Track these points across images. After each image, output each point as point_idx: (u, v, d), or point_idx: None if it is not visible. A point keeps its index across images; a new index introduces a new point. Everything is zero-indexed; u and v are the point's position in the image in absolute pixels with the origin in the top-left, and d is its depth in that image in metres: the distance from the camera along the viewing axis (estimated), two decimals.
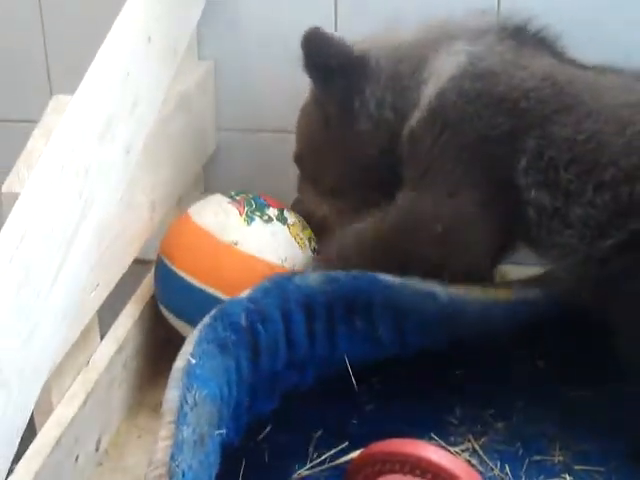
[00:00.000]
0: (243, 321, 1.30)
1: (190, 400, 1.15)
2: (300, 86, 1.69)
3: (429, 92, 1.46)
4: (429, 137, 1.44)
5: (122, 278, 1.53)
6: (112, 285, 1.47)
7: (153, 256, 1.70)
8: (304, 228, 1.60)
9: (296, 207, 1.65)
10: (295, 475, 1.33)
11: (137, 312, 1.56)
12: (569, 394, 1.46)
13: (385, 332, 1.41)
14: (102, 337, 1.49)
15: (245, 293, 1.35)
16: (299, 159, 1.66)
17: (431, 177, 1.45)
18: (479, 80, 1.42)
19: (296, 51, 1.60)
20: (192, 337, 1.26)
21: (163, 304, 1.58)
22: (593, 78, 1.42)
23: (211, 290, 1.50)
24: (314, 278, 1.39)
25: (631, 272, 1.30)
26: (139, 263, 1.64)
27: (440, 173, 1.44)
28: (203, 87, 1.82)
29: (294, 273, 1.42)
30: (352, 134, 1.53)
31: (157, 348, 1.62)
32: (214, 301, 1.45)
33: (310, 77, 1.56)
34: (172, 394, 1.15)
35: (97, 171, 1.30)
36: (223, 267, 1.51)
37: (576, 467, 1.34)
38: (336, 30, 1.81)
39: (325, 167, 1.60)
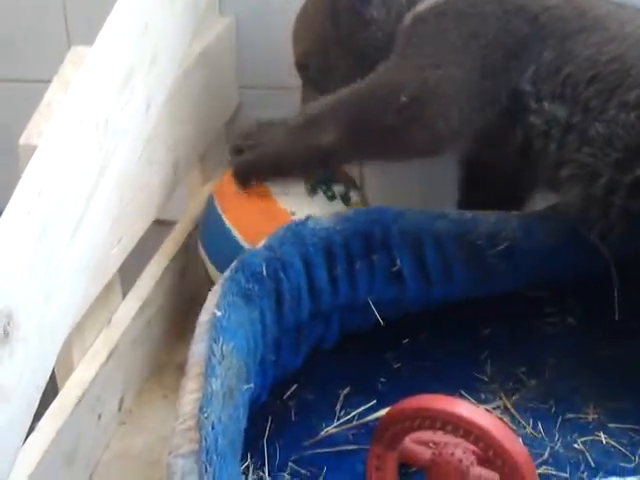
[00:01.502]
0: (264, 270, 1.28)
1: (217, 353, 1.12)
2: None
3: None
4: (432, 22, 1.43)
5: (144, 238, 1.50)
6: (133, 243, 1.44)
7: (175, 217, 1.68)
8: None
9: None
10: (322, 432, 1.30)
11: (159, 271, 1.53)
12: (602, 351, 1.43)
13: (405, 264, 1.38)
14: (124, 296, 1.46)
15: (262, 243, 1.32)
16: (302, 63, 1.60)
17: (415, 50, 1.42)
18: None
19: None
20: (215, 290, 1.23)
21: (203, 246, 1.55)
22: (615, 10, 1.41)
23: (247, 245, 1.45)
24: (327, 219, 1.37)
25: None
26: (160, 224, 1.62)
27: (427, 47, 1.42)
28: (224, 43, 1.79)
29: (306, 218, 1.38)
30: (363, 23, 1.50)
31: (181, 308, 1.59)
32: (233, 244, 1.44)
33: None
34: (199, 347, 1.13)
35: (117, 124, 1.27)
36: (270, 229, 1.43)
37: (610, 425, 1.31)
38: None
39: (331, 67, 1.55)
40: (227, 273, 1.27)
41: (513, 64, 1.39)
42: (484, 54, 1.39)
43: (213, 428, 1.04)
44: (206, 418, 1.05)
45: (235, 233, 1.48)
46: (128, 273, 1.49)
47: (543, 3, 1.40)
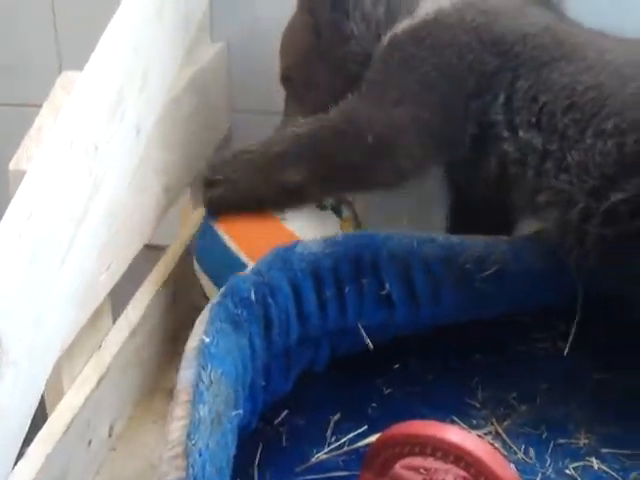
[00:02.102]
0: (253, 296, 1.27)
1: (206, 379, 1.11)
2: None
3: (428, 6, 1.46)
4: (408, 48, 1.43)
5: (135, 263, 1.50)
6: (124, 268, 1.44)
7: (167, 241, 1.68)
8: (356, 227, 1.55)
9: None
10: (313, 459, 1.29)
11: (150, 296, 1.53)
12: (593, 376, 1.43)
13: (394, 287, 1.38)
14: (114, 321, 1.46)
15: (250, 268, 1.32)
16: (286, 77, 1.62)
17: (383, 83, 1.44)
18: (482, 15, 1.42)
19: None
20: (203, 316, 1.23)
21: (201, 265, 1.54)
22: (594, 38, 1.42)
23: (242, 254, 1.46)
24: (316, 244, 1.37)
25: None
26: (152, 249, 1.62)
27: (394, 82, 1.43)
28: (216, 68, 1.79)
29: (295, 242, 1.38)
30: (343, 38, 1.51)
31: (171, 333, 1.59)
32: (237, 263, 1.43)
33: None
34: (187, 374, 1.12)
35: (107, 149, 1.27)
36: (261, 236, 1.46)
37: (603, 450, 1.30)
38: None
39: (313, 81, 1.57)
40: (215, 299, 1.26)
41: (483, 94, 1.40)
42: (455, 87, 1.40)
43: (200, 455, 1.04)
44: (193, 445, 1.04)
45: (226, 238, 1.48)
46: (119, 297, 1.49)
47: (521, 31, 1.41)
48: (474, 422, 1.36)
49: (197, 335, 1.19)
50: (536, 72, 1.37)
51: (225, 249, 1.48)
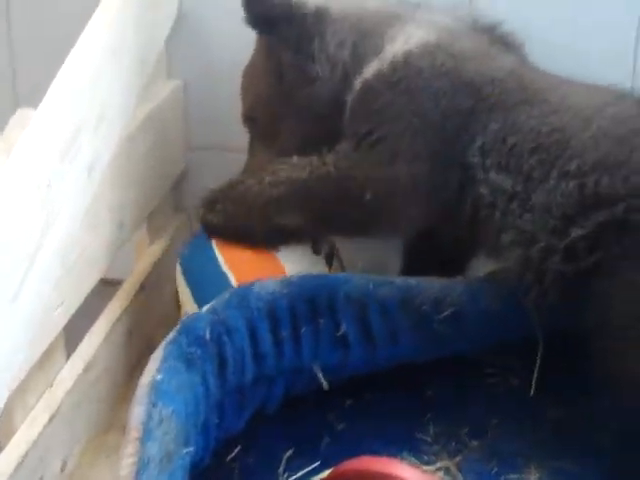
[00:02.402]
0: (207, 334, 1.28)
1: (156, 416, 1.12)
2: None
3: (396, 48, 1.47)
4: (385, 95, 1.45)
5: (90, 298, 1.50)
6: (77, 304, 1.44)
7: (122, 276, 1.68)
8: None
9: (245, 175, 1.59)
10: None
11: (105, 331, 1.52)
12: (543, 412, 1.44)
13: (350, 328, 1.40)
14: (69, 357, 1.45)
15: (206, 306, 1.33)
16: (249, 118, 1.62)
17: (375, 138, 1.45)
18: (451, 59, 1.45)
19: None
20: (157, 354, 1.24)
21: (180, 263, 1.57)
22: (556, 82, 1.46)
23: (232, 277, 1.49)
24: (274, 283, 1.38)
25: (603, 270, 1.29)
26: (107, 284, 1.62)
27: (386, 136, 1.44)
28: (172, 106, 1.80)
29: (253, 282, 1.40)
30: (308, 81, 1.52)
31: (126, 369, 1.58)
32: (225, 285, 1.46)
33: (255, 29, 1.56)
34: (137, 411, 1.13)
35: (60, 187, 1.27)
36: (254, 264, 1.50)
37: None
38: None
39: (278, 121, 1.58)
40: (170, 336, 1.27)
41: (461, 138, 1.42)
42: (437, 133, 1.43)
43: None
44: None
45: (218, 254, 1.51)
46: (75, 332, 1.48)
47: (489, 75, 1.44)
48: (425, 458, 1.37)
49: (149, 372, 1.20)
50: (504, 114, 1.40)
51: (216, 267, 1.51)
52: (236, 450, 1.37)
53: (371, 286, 1.41)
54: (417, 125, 1.43)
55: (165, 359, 1.22)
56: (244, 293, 1.37)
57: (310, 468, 1.33)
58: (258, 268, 1.49)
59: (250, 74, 1.63)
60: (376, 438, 1.38)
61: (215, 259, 1.51)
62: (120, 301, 1.61)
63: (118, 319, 1.57)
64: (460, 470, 1.35)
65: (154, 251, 1.75)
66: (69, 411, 1.39)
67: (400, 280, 1.44)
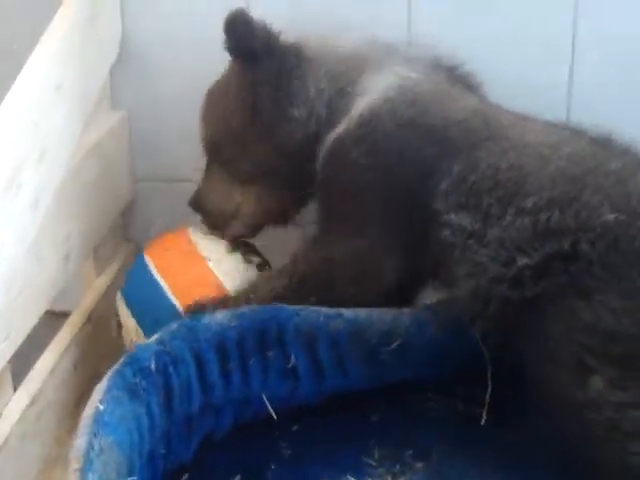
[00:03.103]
0: (153, 365, 1.29)
1: (96, 447, 1.13)
2: None
3: (363, 105, 1.49)
4: (351, 155, 1.47)
5: (37, 329, 1.50)
6: (23, 336, 1.44)
7: (69, 307, 1.68)
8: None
9: (197, 199, 1.62)
10: None
11: (51, 364, 1.53)
12: (489, 437, 1.46)
13: (299, 360, 1.41)
14: (15, 389, 1.46)
15: (154, 337, 1.34)
16: (212, 144, 1.62)
17: (344, 214, 1.49)
18: (413, 106, 1.47)
19: None
20: (102, 384, 1.24)
21: (123, 291, 1.60)
22: (516, 119, 1.49)
23: (170, 294, 1.53)
24: (222, 315, 1.40)
25: (547, 298, 1.32)
26: (53, 315, 1.63)
27: (352, 211, 1.48)
28: (117, 137, 1.81)
29: (202, 314, 1.41)
30: (283, 119, 1.54)
31: (72, 402, 1.59)
32: (162, 300, 1.52)
33: (235, 60, 1.56)
34: (79, 442, 1.14)
35: (3, 221, 1.28)
36: (188, 277, 1.54)
37: None
38: None
39: (245, 153, 1.58)
40: (115, 367, 1.28)
41: (428, 185, 1.43)
42: (402, 188, 1.45)
43: None
44: None
45: (153, 270, 1.56)
46: (21, 364, 1.49)
47: (453, 118, 1.46)
48: None
49: (93, 403, 1.21)
50: (467, 154, 1.42)
51: (157, 291, 1.54)
52: (184, 478, 1.37)
53: (321, 319, 1.43)
54: (384, 188, 1.46)
55: (109, 390, 1.23)
56: (192, 324, 1.38)
57: None
58: (195, 284, 1.53)
59: (219, 100, 1.62)
60: (323, 462, 1.39)
61: (155, 282, 1.55)
62: (67, 333, 1.61)
63: (64, 352, 1.58)
64: None
65: (101, 282, 1.76)
66: (16, 444, 1.40)
67: (350, 313, 1.45)
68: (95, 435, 1.14)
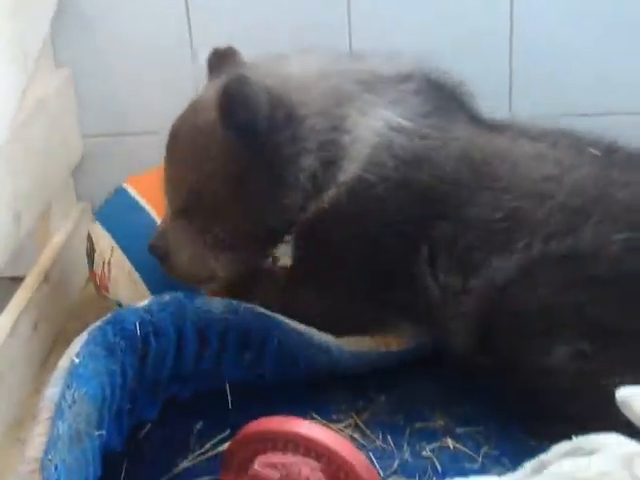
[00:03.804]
0: (136, 330, 1.28)
1: (69, 397, 1.13)
2: (162, 87, 1.79)
3: (350, 171, 1.40)
4: (337, 228, 1.41)
5: None
6: None
7: (23, 272, 1.67)
8: None
9: (161, 252, 1.45)
10: (177, 468, 1.31)
11: (10, 324, 1.51)
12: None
13: (271, 370, 1.41)
14: None
15: (143, 303, 1.32)
16: (186, 208, 1.43)
17: (319, 266, 1.45)
18: (402, 167, 1.39)
19: (154, 51, 1.73)
20: (81, 337, 1.24)
21: (99, 216, 1.60)
22: (507, 148, 1.42)
23: (144, 204, 1.55)
24: (217, 304, 1.36)
25: None
26: (11, 280, 1.62)
27: (328, 265, 1.44)
28: (62, 93, 1.80)
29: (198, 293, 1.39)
30: (272, 202, 1.41)
31: (35, 362, 1.58)
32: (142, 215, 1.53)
33: (231, 136, 1.38)
34: (51, 391, 1.14)
35: None
36: None
37: (457, 430, 1.36)
38: (190, 36, 1.81)
39: (220, 220, 1.42)
40: (97, 323, 1.27)
41: (409, 250, 1.39)
42: (386, 257, 1.41)
43: (56, 469, 1.06)
44: (49, 460, 1.06)
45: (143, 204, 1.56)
46: None
47: (438, 176, 1.38)
48: (334, 417, 1.39)
49: (68, 355, 1.20)
50: (455, 214, 1.37)
51: (134, 205, 1.55)
52: (147, 427, 1.37)
53: (306, 348, 1.41)
54: (369, 256, 1.42)
55: (87, 344, 1.22)
56: (184, 302, 1.35)
57: (220, 437, 1.34)
58: None
59: (196, 151, 1.42)
60: (285, 402, 1.37)
61: (134, 201, 1.56)
62: (24, 293, 1.60)
63: (22, 312, 1.56)
64: (367, 425, 1.37)
65: (56, 242, 1.75)
66: None
67: (337, 350, 1.42)
68: (68, 387, 1.14)
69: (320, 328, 1.42)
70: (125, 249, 1.52)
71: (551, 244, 1.32)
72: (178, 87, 1.80)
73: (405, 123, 1.41)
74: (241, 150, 1.38)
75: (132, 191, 1.57)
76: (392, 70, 1.47)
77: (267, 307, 1.41)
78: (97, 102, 1.87)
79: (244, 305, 1.38)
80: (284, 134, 1.38)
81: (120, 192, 1.59)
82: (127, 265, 1.52)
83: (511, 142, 1.43)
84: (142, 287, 1.52)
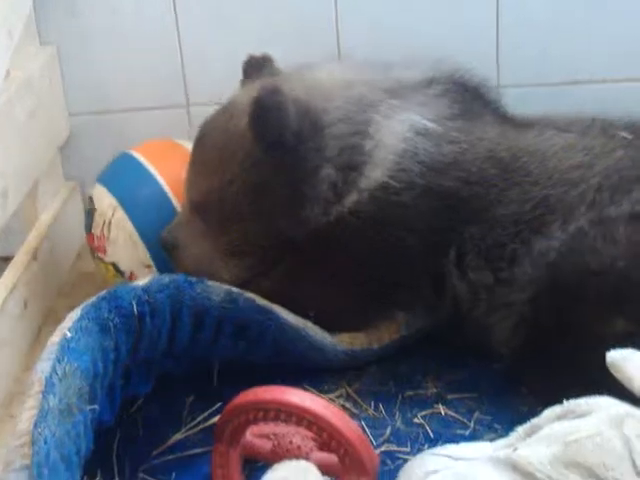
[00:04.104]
0: (133, 309, 1.27)
1: (60, 371, 1.12)
2: (146, 63, 1.78)
3: (373, 177, 1.40)
4: (358, 233, 1.40)
5: None
6: None
7: (12, 252, 1.67)
8: None
9: (171, 244, 1.48)
10: (170, 441, 1.32)
11: None
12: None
13: (261, 358, 1.41)
14: None
15: (142, 281, 1.31)
16: (203, 207, 1.46)
17: (332, 267, 1.44)
18: (428, 173, 1.38)
19: (139, 29, 1.73)
20: (74, 313, 1.23)
21: (103, 179, 1.59)
22: (534, 144, 1.42)
23: (150, 168, 1.56)
24: (217, 292, 1.35)
25: None
26: (4, 260, 1.62)
27: (342, 267, 1.43)
28: (48, 72, 1.79)
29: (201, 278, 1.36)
30: (292, 215, 1.41)
31: (26, 339, 1.58)
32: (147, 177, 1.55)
33: (259, 147, 1.39)
34: (43, 365, 1.13)
35: None
36: (170, 156, 1.58)
37: (449, 396, 1.36)
38: (175, 14, 1.81)
39: (236, 225, 1.44)
40: (92, 299, 1.26)
41: (443, 251, 1.39)
42: (411, 261, 1.40)
43: (46, 442, 1.05)
44: (39, 433, 1.05)
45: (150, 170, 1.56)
46: None
47: (464, 179, 1.38)
48: (326, 387, 1.40)
49: (61, 330, 1.19)
50: (484, 213, 1.37)
51: (139, 167, 1.56)
52: (139, 401, 1.38)
53: (305, 348, 1.40)
54: (395, 259, 1.40)
55: (80, 319, 1.21)
56: (183, 287, 1.33)
57: (212, 409, 1.35)
58: (182, 165, 1.50)
59: (222, 155, 1.44)
60: (277, 374, 1.38)
61: (139, 163, 1.57)
62: (13, 272, 1.59)
63: (12, 291, 1.56)
64: (359, 394, 1.38)
65: (44, 220, 1.74)
66: None
67: (331, 349, 1.42)
68: (59, 361, 1.13)
69: (321, 324, 1.41)
70: (128, 210, 1.52)
71: (591, 215, 1.32)
72: (163, 64, 1.82)
73: (431, 126, 1.41)
74: (266, 162, 1.40)
75: (138, 155, 1.58)
76: (416, 76, 1.48)
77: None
78: (83, 80, 1.85)
79: (245, 296, 1.37)
80: (308, 146, 1.39)
81: (125, 156, 1.59)
82: (129, 226, 1.52)
83: (539, 136, 1.43)
84: (142, 249, 1.53)
